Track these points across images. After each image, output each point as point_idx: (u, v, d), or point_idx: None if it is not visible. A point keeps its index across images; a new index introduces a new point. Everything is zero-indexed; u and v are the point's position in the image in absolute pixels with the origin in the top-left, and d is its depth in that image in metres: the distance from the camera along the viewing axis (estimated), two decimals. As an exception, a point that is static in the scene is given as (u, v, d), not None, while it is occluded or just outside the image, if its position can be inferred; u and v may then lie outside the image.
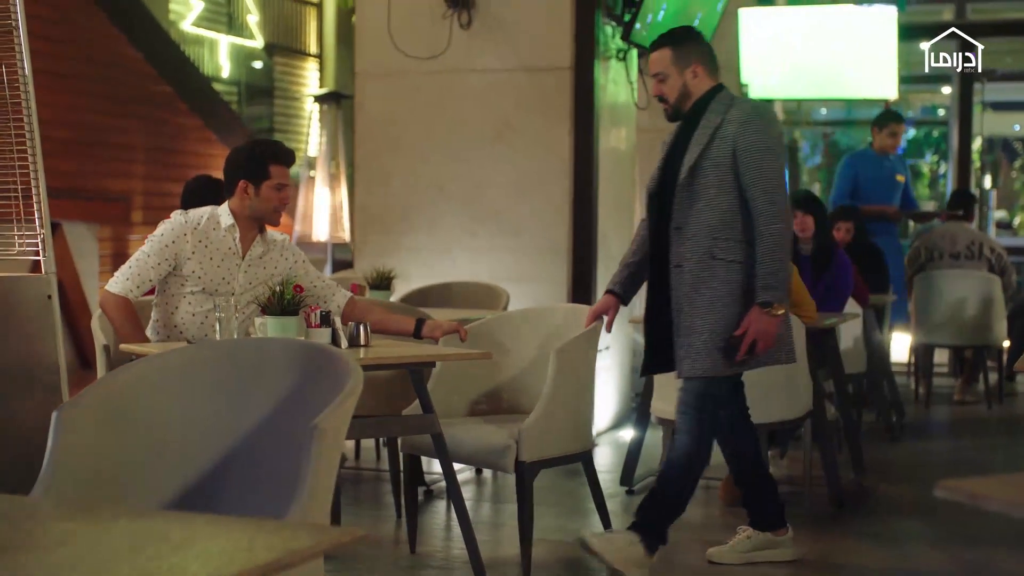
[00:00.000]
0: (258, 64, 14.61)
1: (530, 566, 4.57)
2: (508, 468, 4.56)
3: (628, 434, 6.46)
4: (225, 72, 13.71)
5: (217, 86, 13.37)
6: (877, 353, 7.54)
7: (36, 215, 4.05)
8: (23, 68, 3.96)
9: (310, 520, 2.66)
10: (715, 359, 4.48)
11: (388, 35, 7.28)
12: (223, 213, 4.66)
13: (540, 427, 4.60)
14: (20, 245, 4.05)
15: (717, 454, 5.96)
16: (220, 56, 13.64)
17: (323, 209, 11.84)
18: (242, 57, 14.12)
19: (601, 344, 7.49)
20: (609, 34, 7.40)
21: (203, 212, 4.67)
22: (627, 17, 7.30)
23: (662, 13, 7.55)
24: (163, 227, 4.62)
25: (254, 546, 2.07)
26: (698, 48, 4.57)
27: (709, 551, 4.87)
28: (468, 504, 5.63)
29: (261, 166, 4.62)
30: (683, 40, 4.56)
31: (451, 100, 7.39)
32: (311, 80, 15.13)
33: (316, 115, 12.50)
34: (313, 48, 15.26)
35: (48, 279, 4.09)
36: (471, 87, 7.32)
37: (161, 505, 2.98)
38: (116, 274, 4.56)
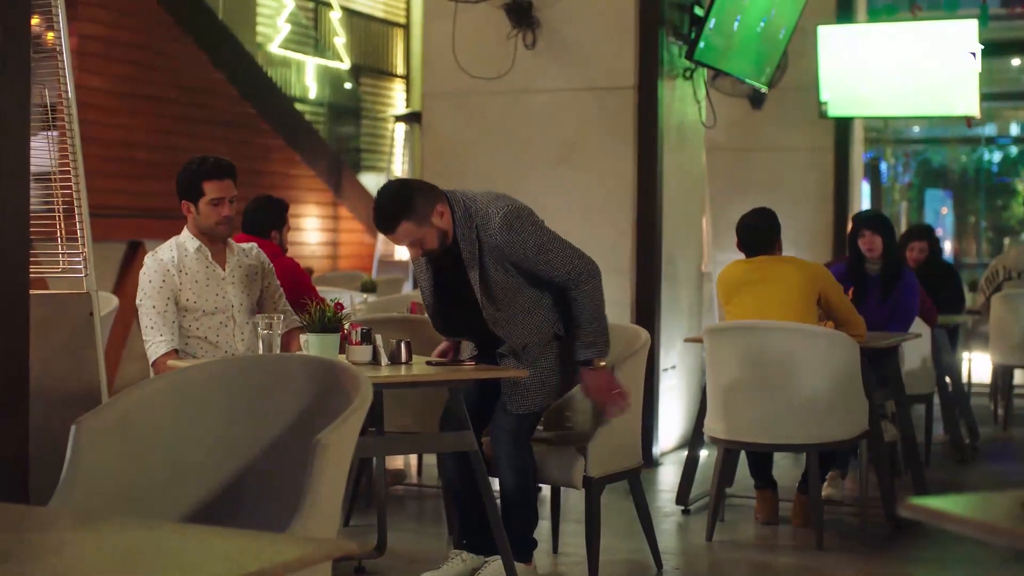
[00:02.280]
0: (346, 85, 14.80)
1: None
2: (576, 483, 4.64)
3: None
4: (312, 93, 13.91)
5: (304, 107, 13.57)
6: (948, 374, 7.41)
7: (79, 233, 4.17)
8: (66, 91, 4.09)
9: (314, 534, 2.71)
10: (540, 396, 4.55)
11: (453, 56, 7.33)
12: (187, 238, 4.72)
13: (605, 442, 4.68)
14: (64, 263, 4.16)
15: (781, 477, 5.92)
16: (307, 77, 13.84)
17: (405, 228, 11.97)
18: (329, 78, 14.31)
19: (667, 363, 7.51)
20: (675, 53, 7.38)
21: (169, 245, 4.71)
22: (692, 35, 7.28)
23: (736, 24, 7.52)
24: (146, 275, 4.63)
25: (244, 557, 2.13)
26: (423, 194, 4.44)
27: None
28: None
29: (195, 185, 4.68)
30: (410, 201, 4.39)
31: (516, 121, 7.42)
32: (398, 100, 15.29)
33: (400, 135, 12.63)
34: (400, 69, 15.42)
35: (89, 296, 4.20)
36: (536, 107, 7.34)
37: (178, 517, 3.04)
38: (147, 342, 4.57)
